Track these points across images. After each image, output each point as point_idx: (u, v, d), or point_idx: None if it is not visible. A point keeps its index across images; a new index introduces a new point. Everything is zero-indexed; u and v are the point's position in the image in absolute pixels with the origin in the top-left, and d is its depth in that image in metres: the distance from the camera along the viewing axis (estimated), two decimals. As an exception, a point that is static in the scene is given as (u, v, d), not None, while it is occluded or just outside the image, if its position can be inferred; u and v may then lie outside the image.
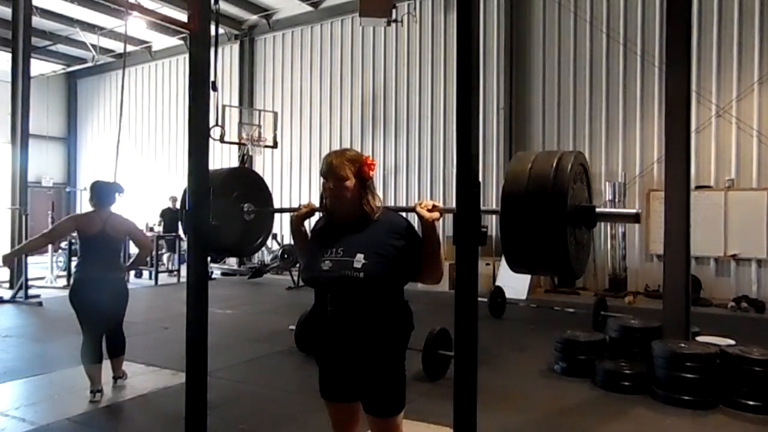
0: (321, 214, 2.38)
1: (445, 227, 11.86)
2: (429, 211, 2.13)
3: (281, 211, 3.07)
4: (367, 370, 2.18)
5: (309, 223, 2.45)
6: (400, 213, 2.36)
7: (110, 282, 4.43)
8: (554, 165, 2.00)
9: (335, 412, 2.32)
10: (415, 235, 2.20)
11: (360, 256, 2.10)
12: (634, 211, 2.15)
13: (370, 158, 2.25)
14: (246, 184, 3.06)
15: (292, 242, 2.59)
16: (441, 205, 2.15)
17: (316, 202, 2.42)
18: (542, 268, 2.11)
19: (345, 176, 2.17)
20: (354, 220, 2.22)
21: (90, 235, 4.32)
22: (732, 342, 4.80)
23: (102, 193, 4.49)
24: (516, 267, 2.13)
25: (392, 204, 12.55)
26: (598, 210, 2.13)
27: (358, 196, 2.20)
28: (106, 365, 4.65)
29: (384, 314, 2.17)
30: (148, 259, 12.36)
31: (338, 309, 2.14)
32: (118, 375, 4.75)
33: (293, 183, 14.17)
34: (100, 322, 4.44)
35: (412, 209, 2.20)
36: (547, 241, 1.97)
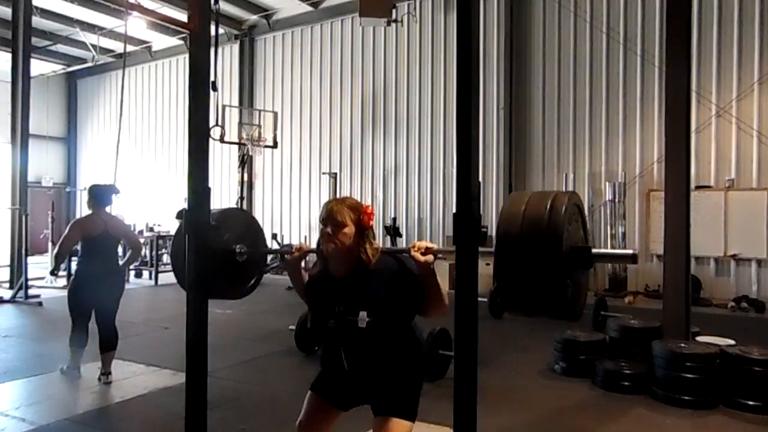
0: (317, 260, 2.39)
1: (445, 227, 11.88)
2: (423, 254, 2.10)
3: (274, 252, 3.01)
4: (382, 388, 2.27)
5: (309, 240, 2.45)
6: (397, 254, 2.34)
7: (110, 278, 4.86)
8: (548, 207, 1.98)
9: (316, 407, 2.37)
10: (413, 278, 2.19)
11: (363, 314, 2.16)
12: (630, 252, 2.13)
13: (370, 208, 2.27)
14: (238, 224, 2.99)
15: (291, 284, 2.59)
16: (435, 245, 2.13)
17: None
18: (540, 312, 2.09)
19: (344, 223, 2.19)
20: (351, 272, 2.24)
21: (93, 236, 4.72)
22: (732, 342, 4.80)
23: (100, 195, 4.87)
24: (512, 310, 2.12)
25: (393, 201, 12.55)
26: (594, 251, 2.11)
27: (355, 245, 2.21)
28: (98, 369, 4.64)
29: (397, 354, 2.25)
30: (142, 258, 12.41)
31: (353, 362, 2.24)
32: (108, 370, 4.91)
33: (293, 183, 14.17)
34: (95, 313, 4.89)
35: (407, 251, 2.17)
36: (544, 284, 1.95)
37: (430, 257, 2.10)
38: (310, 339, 5.59)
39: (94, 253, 4.74)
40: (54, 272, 5.43)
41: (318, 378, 2.41)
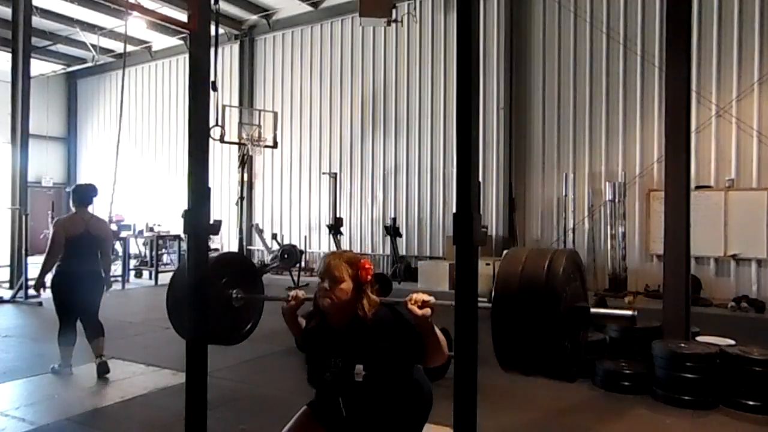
0: (313, 308, 2.35)
1: (445, 227, 11.87)
2: (420, 307, 2.07)
3: (270, 299, 2.98)
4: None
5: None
6: (394, 305, 2.29)
7: (90, 274, 5.02)
8: (546, 267, 1.97)
9: (308, 426, 2.33)
10: (410, 330, 2.16)
11: (359, 367, 2.14)
12: (629, 313, 2.10)
13: (369, 262, 2.26)
14: (235, 269, 2.96)
15: (289, 330, 2.57)
16: (432, 299, 2.10)
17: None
18: (537, 372, 2.08)
19: (341, 278, 2.18)
20: (348, 324, 2.22)
21: (75, 235, 4.91)
22: (732, 342, 4.79)
23: (82, 194, 5.10)
24: (509, 370, 2.11)
25: (393, 201, 12.54)
26: (592, 311, 2.09)
27: (353, 300, 2.19)
28: (110, 365, 4.61)
29: (398, 403, 2.22)
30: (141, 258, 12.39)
31: (351, 411, 2.22)
32: (101, 353, 5.04)
33: (293, 183, 14.16)
34: (78, 310, 5.03)
35: (404, 304, 2.14)
36: (541, 345, 1.94)
37: (427, 311, 2.06)
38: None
39: (75, 251, 4.90)
40: (40, 285, 5.06)
41: (317, 403, 2.36)
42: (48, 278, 5.03)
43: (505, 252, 2.24)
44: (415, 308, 2.07)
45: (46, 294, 5.23)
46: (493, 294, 2.03)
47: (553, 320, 1.92)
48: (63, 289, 4.94)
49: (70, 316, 5.02)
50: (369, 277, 2.23)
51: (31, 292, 9.22)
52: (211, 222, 2.80)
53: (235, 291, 2.85)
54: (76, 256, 4.90)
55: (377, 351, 2.15)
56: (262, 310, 3.08)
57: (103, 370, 4.95)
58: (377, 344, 2.16)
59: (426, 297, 2.08)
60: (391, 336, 2.17)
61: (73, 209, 5.08)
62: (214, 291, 2.74)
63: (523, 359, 2.04)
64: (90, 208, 5.15)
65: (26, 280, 9.18)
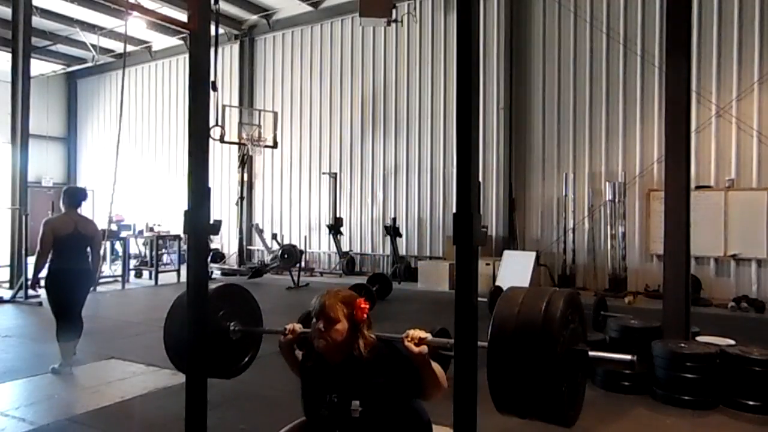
0: (309, 345, 2.32)
1: (445, 227, 11.87)
2: (417, 344, 2.07)
3: (268, 332, 2.95)
4: None
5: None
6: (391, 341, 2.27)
7: (81, 274, 5.25)
8: (543, 309, 1.95)
9: None
10: (408, 365, 2.15)
11: (356, 404, 2.12)
12: (629, 357, 2.06)
13: (364, 301, 2.24)
14: (233, 301, 2.92)
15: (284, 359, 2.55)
16: (429, 336, 2.10)
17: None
18: (533, 416, 2.05)
19: (336, 319, 2.16)
20: (344, 360, 2.20)
21: (64, 235, 5.10)
22: (732, 342, 4.80)
23: (74, 196, 5.32)
24: (505, 413, 2.09)
25: (393, 201, 12.55)
26: (591, 354, 2.06)
27: (348, 340, 2.18)
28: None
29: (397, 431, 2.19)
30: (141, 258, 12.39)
31: None
32: (73, 352, 5.23)
33: (293, 183, 14.17)
34: (72, 304, 5.22)
35: (401, 341, 2.14)
36: (537, 390, 1.91)
37: (424, 348, 2.06)
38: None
39: (65, 251, 5.11)
40: (34, 283, 5.34)
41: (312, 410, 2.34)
42: (48, 279, 5.15)
43: (502, 293, 2.22)
44: (411, 345, 2.06)
45: (42, 292, 5.36)
46: (489, 335, 2.00)
47: (549, 363, 1.89)
48: (56, 287, 5.13)
49: (66, 311, 5.17)
50: (365, 317, 2.21)
51: (31, 292, 9.28)
52: (211, 222, 2.80)
53: (233, 323, 2.81)
54: (66, 255, 5.11)
55: (374, 387, 2.14)
56: (260, 343, 3.03)
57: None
58: (374, 380, 2.14)
59: (422, 334, 2.08)
60: (388, 372, 2.15)
61: (63, 210, 5.28)
62: (212, 323, 2.70)
63: (519, 402, 2.01)
64: (79, 210, 5.38)
65: (26, 280, 9.18)
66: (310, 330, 2.25)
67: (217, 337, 2.75)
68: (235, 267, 13.31)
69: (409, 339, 2.07)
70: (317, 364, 2.29)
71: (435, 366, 2.15)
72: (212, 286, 2.90)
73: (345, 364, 2.20)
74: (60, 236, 5.08)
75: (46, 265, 5.13)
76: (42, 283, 5.27)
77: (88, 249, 5.30)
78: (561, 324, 1.93)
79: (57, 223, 5.17)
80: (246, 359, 2.97)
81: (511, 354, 1.95)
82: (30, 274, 5.58)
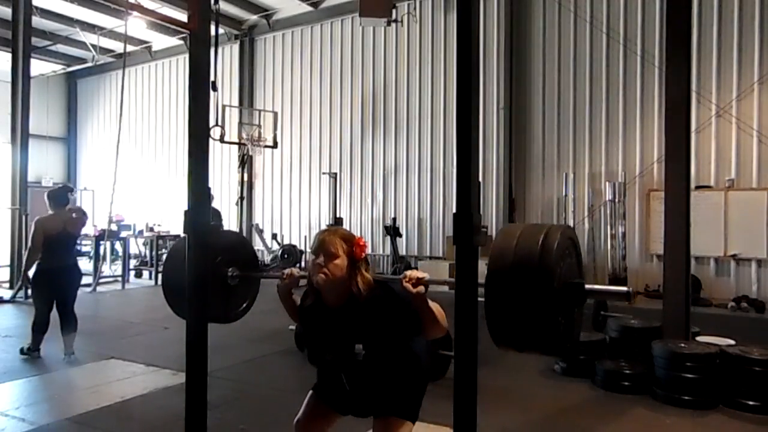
0: (308, 285, 2.33)
1: (445, 227, 11.87)
2: (415, 285, 2.07)
3: (267, 277, 2.97)
4: (383, 396, 2.27)
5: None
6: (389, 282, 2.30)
7: (69, 271, 5.54)
8: (540, 242, 1.94)
9: (316, 408, 2.38)
10: (406, 307, 2.15)
11: (359, 347, 2.16)
12: (625, 289, 2.07)
13: (363, 240, 2.25)
14: (230, 247, 2.94)
15: (284, 307, 2.56)
16: (427, 275, 2.10)
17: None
18: (531, 349, 2.05)
19: (335, 254, 2.16)
20: (344, 303, 2.21)
21: (54, 234, 5.34)
22: (732, 342, 4.80)
23: (57, 197, 5.54)
24: (503, 346, 2.10)
25: (393, 201, 12.54)
26: (587, 287, 2.07)
27: (347, 276, 2.17)
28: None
29: (399, 371, 2.25)
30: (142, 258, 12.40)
31: (354, 384, 2.25)
32: (71, 350, 5.50)
33: (293, 183, 14.16)
34: (57, 302, 5.47)
35: (399, 283, 2.14)
36: (535, 322, 1.91)
37: (421, 288, 2.06)
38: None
39: (54, 249, 5.35)
40: (26, 279, 5.59)
41: (320, 382, 2.40)
42: (37, 277, 5.46)
43: (500, 228, 2.23)
44: (409, 286, 2.07)
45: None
46: (486, 269, 2.00)
47: (546, 295, 1.89)
48: (43, 284, 5.43)
49: (46, 308, 5.46)
50: (363, 255, 2.22)
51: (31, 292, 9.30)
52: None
53: (230, 269, 2.84)
54: (55, 253, 5.35)
55: (375, 329, 2.17)
56: (258, 289, 3.08)
57: (67, 360, 5.41)
58: (374, 323, 2.17)
59: (420, 274, 2.08)
60: (387, 314, 2.17)
61: (51, 211, 5.50)
62: (210, 269, 2.73)
63: (516, 335, 2.01)
64: (67, 208, 5.60)
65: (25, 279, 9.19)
66: (309, 267, 2.25)
67: (215, 283, 2.77)
68: (235, 267, 13.29)
69: (407, 280, 2.07)
70: (317, 309, 2.29)
71: (434, 305, 2.16)
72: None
73: (345, 308, 2.21)
74: (50, 235, 5.32)
75: (36, 263, 5.37)
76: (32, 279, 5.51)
77: (76, 246, 5.71)
78: (558, 257, 1.94)
79: (47, 223, 5.40)
80: (244, 304, 3.00)
81: (508, 287, 1.95)
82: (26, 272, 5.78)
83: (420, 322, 2.16)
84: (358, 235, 2.31)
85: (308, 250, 13.08)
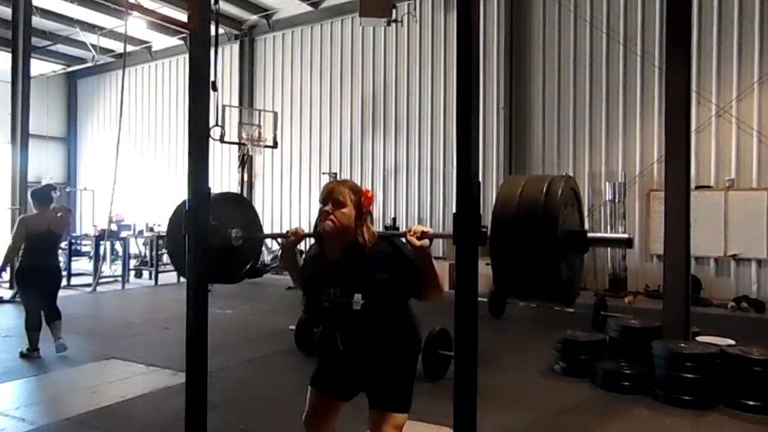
0: (312, 243, 2.37)
1: (445, 227, 11.87)
2: (419, 238, 2.11)
3: (271, 236, 3.02)
4: (377, 376, 2.27)
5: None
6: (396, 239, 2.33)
7: (51, 268, 5.65)
8: (544, 190, 1.97)
9: (318, 403, 2.38)
10: (408, 262, 2.20)
11: (358, 297, 2.15)
12: (625, 236, 2.12)
13: (370, 192, 2.28)
14: (234, 208, 2.99)
15: (286, 269, 2.57)
16: (430, 230, 2.14)
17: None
18: (534, 296, 2.08)
19: (344, 203, 2.20)
20: (347, 254, 2.23)
21: (38, 233, 5.45)
22: (732, 342, 4.80)
23: (41, 196, 5.67)
24: (507, 294, 2.13)
25: (393, 201, 12.54)
26: (589, 235, 2.10)
27: (353, 226, 2.21)
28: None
29: (392, 336, 2.25)
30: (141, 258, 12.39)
31: (348, 344, 2.25)
32: (59, 335, 5.63)
33: (293, 183, 14.17)
34: (40, 298, 5.57)
35: (403, 235, 2.18)
36: (539, 268, 1.94)
37: (425, 241, 2.11)
38: (308, 322, 5.54)
39: (38, 248, 5.45)
40: (1, 271, 5.64)
41: (316, 372, 2.42)
42: (19, 275, 5.56)
43: (505, 179, 2.26)
44: (414, 239, 2.11)
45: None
46: (491, 218, 2.04)
47: (550, 242, 1.92)
48: (27, 283, 5.52)
49: (35, 303, 5.56)
50: (370, 206, 2.26)
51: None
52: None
53: (234, 231, 2.87)
54: (37, 252, 5.45)
55: (376, 281, 2.18)
56: (261, 249, 3.14)
57: (61, 349, 5.55)
58: (376, 274, 2.18)
59: (424, 228, 2.13)
60: (390, 267, 2.20)
61: (35, 211, 5.61)
62: (213, 230, 2.76)
63: (521, 283, 2.04)
64: (51, 207, 5.73)
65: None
66: (316, 219, 2.28)
67: (219, 244, 2.80)
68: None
69: (412, 233, 2.12)
70: (321, 261, 2.32)
71: (435, 266, 2.20)
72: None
73: (348, 259, 2.23)
74: (33, 234, 5.43)
75: (18, 261, 5.46)
76: (5, 276, 5.69)
77: (60, 244, 5.83)
78: (561, 205, 1.97)
79: (31, 222, 5.51)
80: (248, 265, 3.05)
81: (513, 235, 1.98)
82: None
83: (419, 282, 2.19)
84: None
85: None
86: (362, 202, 2.22)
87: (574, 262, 2.13)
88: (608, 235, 2.45)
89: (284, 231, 2.52)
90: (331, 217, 2.19)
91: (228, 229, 2.85)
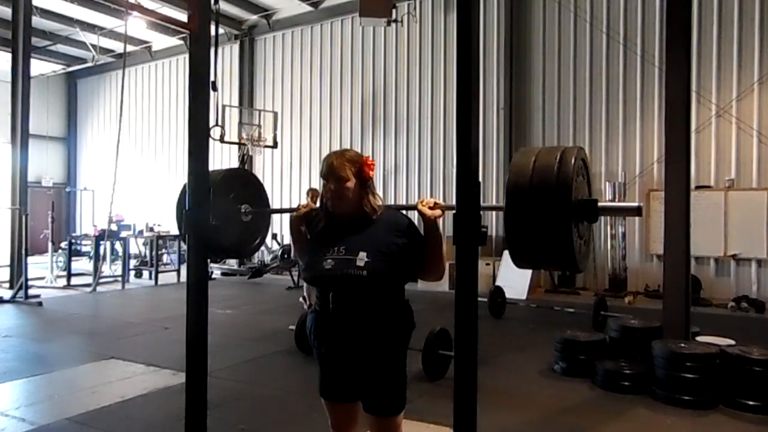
0: (321, 215, 2.38)
1: (445, 227, 11.85)
2: (431, 208, 2.15)
3: (279, 211, 3.10)
4: (368, 368, 2.21)
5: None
6: (402, 211, 2.37)
7: None
8: (558, 158, 2.01)
9: (334, 411, 2.35)
10: (417, 233, 2.22)
11: (362, 254, 2.13)
12: (635, 204, 2.16)
13: (370, 159, 2.28)
14: (243, 185, 3.06)
15: (291, 244, 2.56)
16: (442, 202, 2.18)
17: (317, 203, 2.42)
18: (547, 263, 2.12)
19: (345, 177, 2.19)
20: (355, 220, 2.24)
21: None
22: (732, 342, 4.80)
23: None
24: (520, 262, 2.14)
25: (393, 201, 12.53)
26: (600, 204, 2.12)
27: (358, 197, 2.22)
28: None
29: (386, 312, 2.20)
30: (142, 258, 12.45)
31: (340, 307, 2.18)
32: None
33: (293, 183, 14.17)
34: None
35: (414, 207, 2.23)
36: (552, 235, 1.98)
37: (437, 211, 2.15)
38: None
39: None
40: None
41: (320, 381, 2.35)
42: None
43: (518, 150, 2.29)
44: (425, 208, 2.15)
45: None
46: (506, 187, 2.08)
47: (564, 209, 1.95)
48: None
49: None
50: (372, 173, 2.26)
51: (31, 292, 9.30)
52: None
53: (243, 206, 2.92)
54: None
55: (381, 242, 2.17)
56: (269, 224, 3.22)
57: None
58: (382, 237, 2.19)
59: (437, 200, 2.18)
60: (397, 233, 2.21)
61: None
62: (223, 206, 2.81)
63: (534, 250, 2.07)
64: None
65: (26, 280, 9.19)
66: (321, 194, 2.29)
67: (229, 219, 2.84)
68: (235, 267, 13.31)
69: (423, 204, 2.17)
70: (328, 224, 2.32)
71: (442, 242, 2.22)
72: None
73: (355, 222, 2.24)
74: None
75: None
76: None
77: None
78: (574, 173, 2.01)
79: None
80: (257, 240, 3.13)
81: (528, 203, 2.01)
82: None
83: (423, 255, 2.20)
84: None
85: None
86: (363, 170, 2.22)
87: (584, 231, 2.18)
88: (618, 204, 2.52)
89: (284, 231, 2.54)
90: (336, 194, 2.21)
91: (238, 205, 2.89)
